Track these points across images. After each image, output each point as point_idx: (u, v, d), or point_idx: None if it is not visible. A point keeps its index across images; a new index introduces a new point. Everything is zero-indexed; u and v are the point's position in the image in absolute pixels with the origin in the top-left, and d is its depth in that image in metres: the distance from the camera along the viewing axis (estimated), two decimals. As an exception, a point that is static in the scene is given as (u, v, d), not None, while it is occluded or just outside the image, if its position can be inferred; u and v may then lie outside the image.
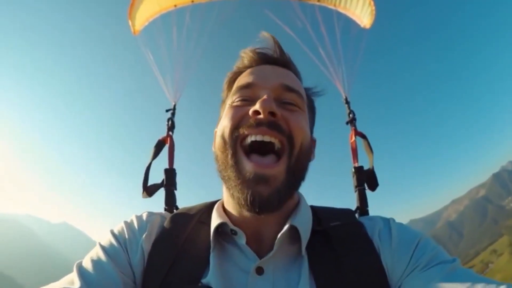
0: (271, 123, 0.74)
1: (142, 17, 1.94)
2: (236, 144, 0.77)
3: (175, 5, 1.86)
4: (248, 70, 0.88)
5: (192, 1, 1.86)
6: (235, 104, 0.82)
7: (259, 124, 0.75)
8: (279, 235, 0.74)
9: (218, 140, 0.82)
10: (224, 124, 0.80)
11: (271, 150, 0.76)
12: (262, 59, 0.90)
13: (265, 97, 0.75)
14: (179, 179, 1.46)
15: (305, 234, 0.78)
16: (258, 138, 0.75)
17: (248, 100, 0.81)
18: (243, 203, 0.72)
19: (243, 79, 0.86)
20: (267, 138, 0.74)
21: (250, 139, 0.75)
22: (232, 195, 0.75)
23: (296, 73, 0.93)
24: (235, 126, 0.78)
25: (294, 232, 0.76)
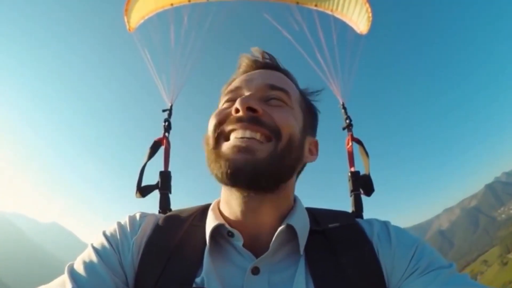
0: (251, 118, 0.75)
1: (138, 14, 1.92)
2: (220, 139, 0.79)
3: (172, 4, 1.85)
4: (239, 77, 0.92)
5: (189, 1, 1.85)
6: (221, 107, 0.85)
7: (239, 120, 0.76)
8: (275, 234, 0.74)
9: (205, 140, 0.83)
10: (209, 124, 0.82)
11: None
12: (255, 64, 0.94)
13: (245, 95, 0.79)
14: (175, 182, 1.45)
15: (302, 233, 0.78)
16: (240, 134, 0.75)
17: (234, 101, 0.82)
18: (220, 176, 0.73)
19: (232, 85, 0.90)
20: (247, 134, 0.75)
21: (232, 136, 0.77)
22: (216, 175, 0.75)
23: (288, 75, 0.95)
24: (219, 123, 0.80)
25: (290, 232, 0.76)
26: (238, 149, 0.72)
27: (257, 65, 0.94)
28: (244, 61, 0.95)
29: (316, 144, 0.96)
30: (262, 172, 0.71)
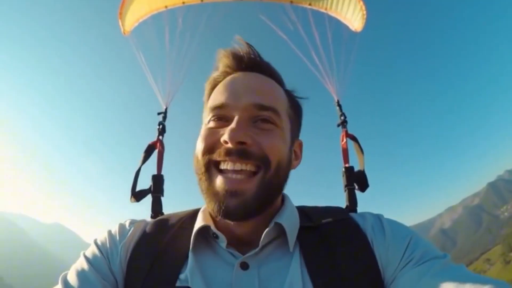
0: (240, 152, 0.74)
1: (133, 17, 1.93)
2: (209, 167, 0.78)
3: (166, 6, 1.86)
4: (222, 84, 0.86)
5: (183, 2, 1.85)
6: (209, 125, 0.81)
7: (228, 153, 0.75)
8: (263, 234, 0.75)
9: (194, 159, 0.82)
10: (198, 147, 0.81)
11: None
12: (237, 64, 0.88)
13: (233, 125, 0.74)
14: (170, 185, 1.46)
15: (291, 230, 0.79)
16: (229, 166, 0.75)
17: (222, 120, 0.80)
18: (214, 213, 0.75)
19: (216, 97, 0.84)
20: (238, 166, 0.74)
21: (222, 166, 0.76)
22: (209, 209, 0.77)
23: (274, 76, 0.89)
24: (208, 151, 0.78)
25: (279, 229, 0.77)
26: (230, 193, 0.72)
27: (239, 65, 0.87)
28: (224, 61, 0.88)
29: (300, 145, 0.95)
30: (252, 208, 0.73)
